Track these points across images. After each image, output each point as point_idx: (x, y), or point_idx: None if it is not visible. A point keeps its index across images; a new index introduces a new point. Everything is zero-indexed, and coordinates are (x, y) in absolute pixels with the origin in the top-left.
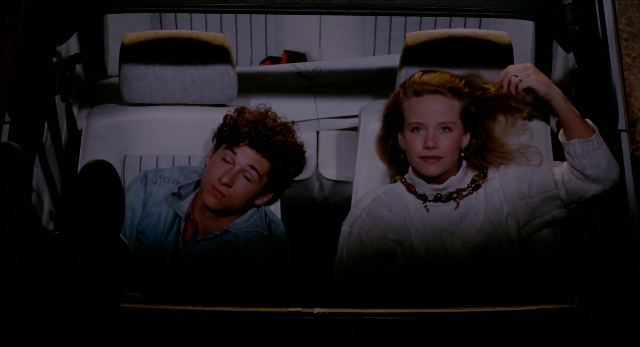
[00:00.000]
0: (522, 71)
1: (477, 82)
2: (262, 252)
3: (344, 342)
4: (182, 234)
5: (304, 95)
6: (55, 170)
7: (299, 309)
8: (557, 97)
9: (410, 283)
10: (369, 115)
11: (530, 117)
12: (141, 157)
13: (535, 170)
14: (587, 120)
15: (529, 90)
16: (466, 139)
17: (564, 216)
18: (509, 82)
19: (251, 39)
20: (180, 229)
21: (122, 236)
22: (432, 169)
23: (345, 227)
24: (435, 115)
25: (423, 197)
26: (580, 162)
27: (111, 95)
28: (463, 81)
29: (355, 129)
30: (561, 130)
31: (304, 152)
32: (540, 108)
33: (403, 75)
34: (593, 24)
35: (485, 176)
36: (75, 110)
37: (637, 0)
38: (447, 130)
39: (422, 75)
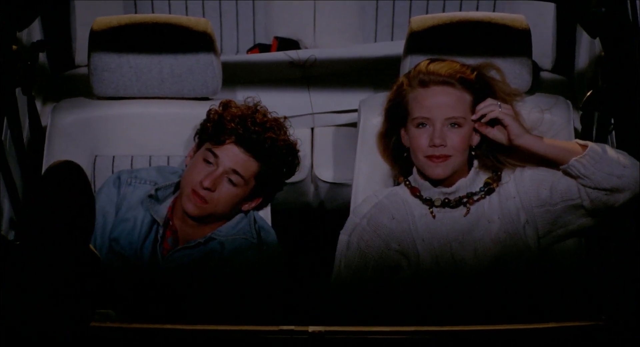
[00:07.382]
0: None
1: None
2: (251, 262)
3: None
4: (161, 242)
5: (297, 88)
6: (17, 172)
7: (292, 327)
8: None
9: (416, 298)
10: (370, 109)
11: (550, 115)
12: (114, 157)
13: (558, 176)
14: (577, 140)
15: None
16: (477, 136)
17: (591, 225)
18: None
19: (237, 25)
20: (158, 237)
21: (92, 246)
22: (438, 171)
23: (343, 237)
24: (443, 109)
25: (429, 202)
26: (592, 180)
27: (79, 88)
28: (475, 73)
29: (354, 125)
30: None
31: (297, 151)
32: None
33: (408, 65)
34: (621, 6)
35: (499, 178)
36: (38, 104)
37: None
38: (456, 126)
39: (429, 64)
